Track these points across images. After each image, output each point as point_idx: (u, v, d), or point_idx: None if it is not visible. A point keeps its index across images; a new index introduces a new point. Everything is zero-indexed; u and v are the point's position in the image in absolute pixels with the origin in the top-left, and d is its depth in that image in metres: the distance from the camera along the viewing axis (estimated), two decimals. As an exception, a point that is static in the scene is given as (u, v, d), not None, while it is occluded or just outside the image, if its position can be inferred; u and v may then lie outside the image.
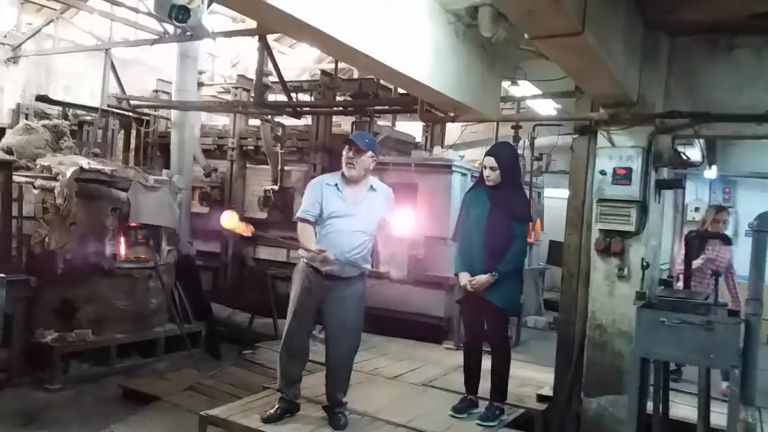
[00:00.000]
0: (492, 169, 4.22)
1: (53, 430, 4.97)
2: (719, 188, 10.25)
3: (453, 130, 12.33)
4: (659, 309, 3.19)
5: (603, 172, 4.26)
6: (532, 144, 9.67)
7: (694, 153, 6.78)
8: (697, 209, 9.94)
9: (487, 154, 4.33)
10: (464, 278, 4.15)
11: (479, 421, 4.17)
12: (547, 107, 7.54)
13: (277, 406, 4.06)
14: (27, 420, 5.17)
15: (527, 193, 9.68)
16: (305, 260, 4.03)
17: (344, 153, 4.00)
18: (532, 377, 5.35)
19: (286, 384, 4.11)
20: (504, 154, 4.33)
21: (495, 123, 9.86)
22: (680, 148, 5.09)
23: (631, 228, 4.18)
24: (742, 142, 7.76)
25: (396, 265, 4.08)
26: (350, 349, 4.16)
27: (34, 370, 6.03)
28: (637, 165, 4.19)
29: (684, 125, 4.20)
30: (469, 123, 12.31)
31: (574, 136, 4.78)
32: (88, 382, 6.18)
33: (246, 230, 3.80)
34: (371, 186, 4.07)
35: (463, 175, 7.80)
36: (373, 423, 4.14)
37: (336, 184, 4.00)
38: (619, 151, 4.27)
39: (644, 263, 3.61)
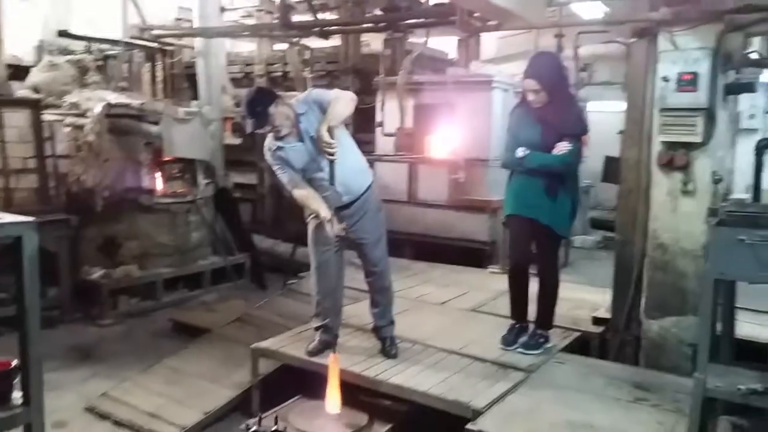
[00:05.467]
0: (535, 92, 3.76)
1: (110, 363, 5.06)
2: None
3: (488, 45, 11.72)
4: (735, 226, 2.92)
5: (666, 79, 3.88)
6: (576, 54, 9.15)
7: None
8: (752, 116, 9.33)
9: (526, 76, 3.81)
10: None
11: (521, 349, 3.96)
12: (594, 11, 6.98)
13: (318, 339, 3.99)
14: (83, 354, 5.29)
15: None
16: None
17: (267, 135, 3.75)
18: (585, 299, 5.19)
19: (325, 315, 4.01)
20: (545, 72, 3.77)
21: (534, 33, 9.32)
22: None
23: (698, 139, 3.83)
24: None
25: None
26: (386, 262, 4.08)
27: (84, 307, 6.15)
28: (704, 68, 3.79)
29: (759, 20, 3.76)
30: (506, 35, 11.68)
31: (629, 40, 4.37)
32: (138, 317, 6.28)
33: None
34: (298, 114, 3.71)
35: (505, 90, 7.40)
36: (425, 350, 4.06)
37: (279, 147, 3.73)
38: (683, 55, 3.86)
39: (716, 177, 3.31)
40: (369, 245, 3.94)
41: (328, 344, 3.86)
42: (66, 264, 5.99)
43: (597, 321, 4.51)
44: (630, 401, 3.33)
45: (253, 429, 2.66)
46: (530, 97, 3.79)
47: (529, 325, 4.12)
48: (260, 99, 3.69)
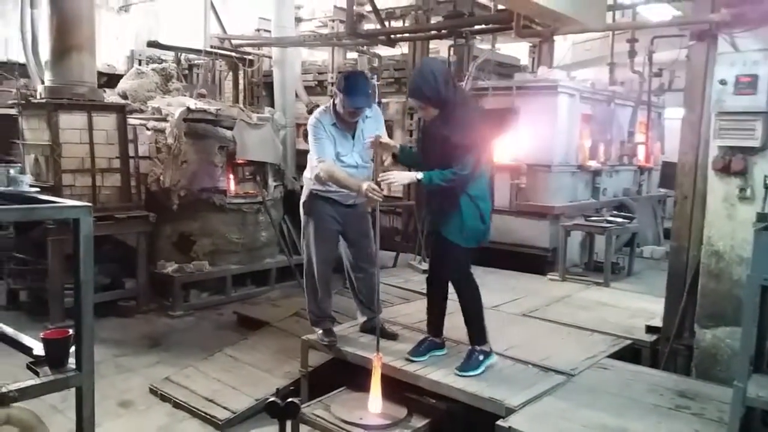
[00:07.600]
0: (421, 108, 3.69)
1: (176, 351, 5.42)
2: None
3: (563, 51, 11.49)
4: (782, 231, 2.81)
5: (723, 82, 3.76)
6: (650, 59, 8.90)
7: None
8: None
9: (408, 95, 3.83)
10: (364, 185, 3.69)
11: (458, 372, 3.69)
12: (665, 14, 6.78)
13: (323, 332, 4.26)
14: (154, 342, 5.68)
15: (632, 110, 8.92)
16: (317, 191, 4.08)
17: (348, 111, 3.87)
18: (642, 308, 5.06)
19: (325, 313, 4.31)
20: (418, 85, 3.57)
21: (610, 38, 9.14)
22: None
23: (756, 143, 3.68)
24: None
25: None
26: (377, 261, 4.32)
27: (158, 299, 6.59)
28: (764, 70, 3.65)
29: (826, 20, 3.59)
30: (581, 40, 11.41)
31: (691, 43, 4.25)
32: (207, 310, 6.67)
33: None
34: (366, 115, 4.00)
35: (571, 95, 7.30)
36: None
37: (334, 123, 3.95)
38: (742, 56, 3.74)
39: (767, 181, 3.19)
40: (363, 241, 4.21)
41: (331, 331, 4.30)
42: (144, 258, 6.45)
43: (650, 329, 4.40)
44: (670, 408, 3.24)
45: (270, 399, 2.83)
46: (419, 113, 3.74)
47: (444, 342, 4.07)
48: (369, 84, 4.03)
